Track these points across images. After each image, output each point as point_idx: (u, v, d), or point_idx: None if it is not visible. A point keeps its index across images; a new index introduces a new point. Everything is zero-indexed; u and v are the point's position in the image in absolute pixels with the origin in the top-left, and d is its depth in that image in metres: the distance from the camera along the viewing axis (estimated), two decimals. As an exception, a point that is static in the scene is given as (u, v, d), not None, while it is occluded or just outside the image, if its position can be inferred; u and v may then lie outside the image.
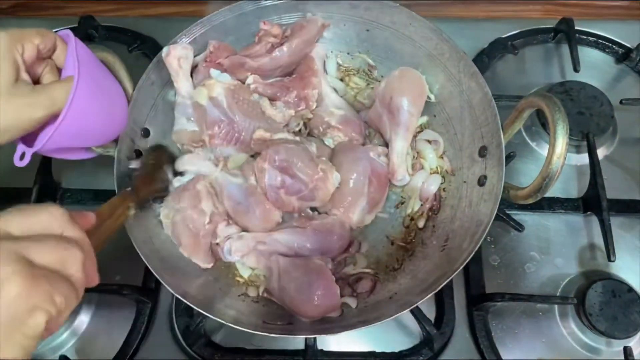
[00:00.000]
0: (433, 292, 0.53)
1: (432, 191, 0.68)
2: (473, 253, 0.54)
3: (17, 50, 0.48)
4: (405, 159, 0.69)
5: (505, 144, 0.59)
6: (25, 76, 0.50)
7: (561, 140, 0.49)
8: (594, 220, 0.70)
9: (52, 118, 0.50)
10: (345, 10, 0.71)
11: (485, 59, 0.82)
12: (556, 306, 0.66)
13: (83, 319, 0.67)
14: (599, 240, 0.68)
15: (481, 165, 0.63)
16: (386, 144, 0.70)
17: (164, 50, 0.65)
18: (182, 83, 0.67)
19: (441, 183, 0.68)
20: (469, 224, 0.59)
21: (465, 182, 0.65)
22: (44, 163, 0.72)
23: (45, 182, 0.73)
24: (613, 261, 0.65)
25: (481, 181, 0.62)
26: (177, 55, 0.65)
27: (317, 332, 0.56)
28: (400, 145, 0.68)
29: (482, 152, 0.62)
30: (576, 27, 0.82)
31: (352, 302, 0.60)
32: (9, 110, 0.47)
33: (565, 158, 0.50)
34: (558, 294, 0.67)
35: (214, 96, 0.65)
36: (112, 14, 0.92)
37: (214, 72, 0.68)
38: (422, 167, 0.70)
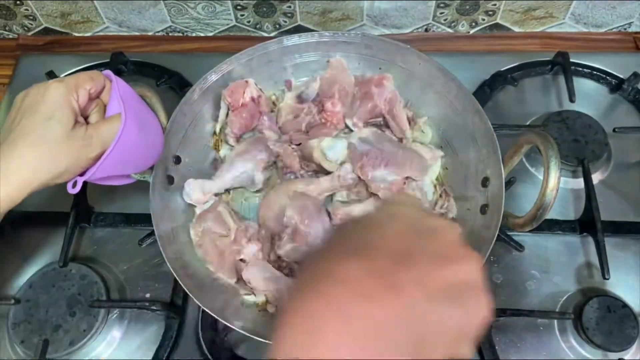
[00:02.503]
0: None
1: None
2: (475, 273, 0.59)
3: (73, 98, 0.53)
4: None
5: (505, 175, 0.63)
6: (80, 119, 0.55)
7: (553, 175, 0.53)
8: (590, 241, 0.74)
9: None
10: (361, 50, 0.76)
11: (487, 90, 0.86)
12: (555, 321, 0.69)
13: (115, 334, 0.71)
14: (594, 259, 0.72)
15: (483, 194, 0.67)
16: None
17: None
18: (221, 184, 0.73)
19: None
20: (471, 248, 0.64)
21: (468, 209, 0.69)
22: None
23: (81, 207, 0.77)
24: (608, 279, 0.69)
25: (483, 210, 0.66)
26: (200, 192, 0.71)
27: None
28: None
29: (485, 182, 0.67)
30: (571, 60, 0.86)
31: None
32: (70, 154, 0.52)
33: (557, 190, 0.54)
34: (557, 310, 0.70)
35: (364, 136, 0.73)
36: (140, 50, 0.97)
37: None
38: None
